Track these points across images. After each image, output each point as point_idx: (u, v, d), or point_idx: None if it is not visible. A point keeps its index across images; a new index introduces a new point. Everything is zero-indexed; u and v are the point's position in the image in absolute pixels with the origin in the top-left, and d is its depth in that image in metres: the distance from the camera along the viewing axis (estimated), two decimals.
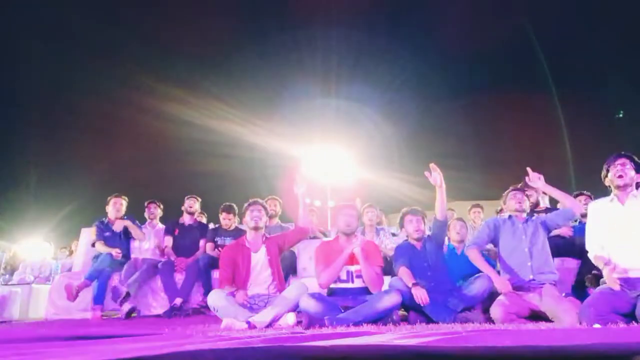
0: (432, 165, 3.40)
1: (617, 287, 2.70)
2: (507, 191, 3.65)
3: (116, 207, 5.05)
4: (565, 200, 3.41)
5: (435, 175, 3.38)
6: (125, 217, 5.09)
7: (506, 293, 3.18)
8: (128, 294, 4.42)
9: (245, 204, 3.74)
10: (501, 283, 3.22)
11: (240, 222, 5.30)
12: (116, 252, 4.71)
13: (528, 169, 3.42)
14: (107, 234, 4.97)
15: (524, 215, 3.55)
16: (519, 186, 3.85)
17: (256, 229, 3.60)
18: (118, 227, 4.98)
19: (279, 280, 3.53)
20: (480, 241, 3.55)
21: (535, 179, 3.39)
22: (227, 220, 5.10)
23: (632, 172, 2.94)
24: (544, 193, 5.06)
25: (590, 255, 3.03)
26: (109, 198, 5.13)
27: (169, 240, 5.07)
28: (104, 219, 5.09)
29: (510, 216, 3.59)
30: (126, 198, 5.19)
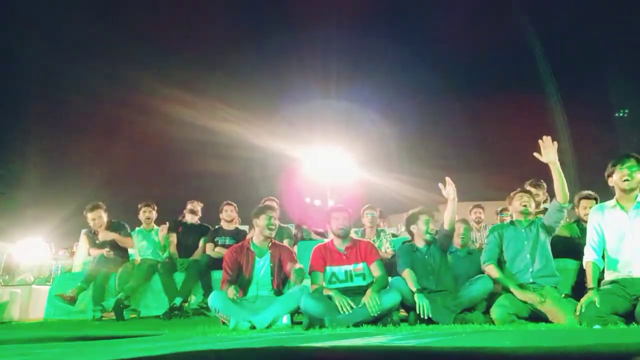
0: (447, 178, 3.41)
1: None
2: (514, 192, 3.57)
3: (95, 222, 4.88)
4: (558, 188, 3.21)
5: (449, 189, 3.39)
6: (113, 221, 5.01)
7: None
8: (125, 305, 4.41)
9: (261, 205, 3.65)
10: (527, 297, 3.14)
11: (242, 223, 5.31)
12: (107, 252, 4.78)
13: (541, 140, 3.13)
14: (98, 241, 4.95)
15: (530, 217, 3.47)
16: (527, 184, 3.75)
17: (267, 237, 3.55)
18: (102, 238, 4.89)
19: (279, 284, 3.52)
20: (493, 254, 3.45)
21: (549, 149, 3.12)
22: (229, 213, 5.09)
23: (639, 176, 2.87)
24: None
25: (583, 260, 3.02)
26: (84, 212, 4.93)
27: (173, 237, 5.07)
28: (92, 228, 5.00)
29: (512, 221, 3.54)
30: (103, 205, 4.97)
